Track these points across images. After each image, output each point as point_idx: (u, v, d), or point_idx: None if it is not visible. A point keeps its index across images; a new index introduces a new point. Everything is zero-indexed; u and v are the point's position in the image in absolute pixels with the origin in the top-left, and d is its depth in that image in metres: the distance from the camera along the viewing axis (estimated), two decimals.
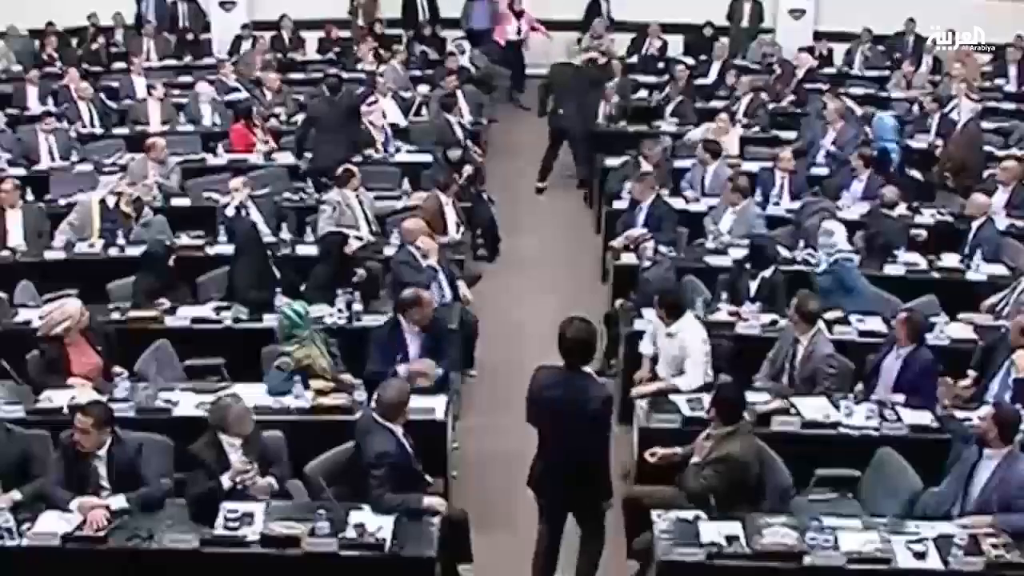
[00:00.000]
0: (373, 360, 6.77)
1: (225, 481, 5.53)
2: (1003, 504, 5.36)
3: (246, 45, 14.85)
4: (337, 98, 10.75)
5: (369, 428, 5.69)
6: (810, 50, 14.33)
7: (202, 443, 5.65)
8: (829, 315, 7.22)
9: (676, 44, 15.37)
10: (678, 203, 9.67)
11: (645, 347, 6.95)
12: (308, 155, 10.50)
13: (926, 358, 6.56)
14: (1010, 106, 13.08)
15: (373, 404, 5.82)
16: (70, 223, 8.89)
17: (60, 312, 6.72)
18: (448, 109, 11.42)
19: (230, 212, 8.84)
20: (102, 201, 8.95)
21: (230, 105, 12.22)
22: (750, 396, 6.44)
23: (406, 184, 10.11)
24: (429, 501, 5.57)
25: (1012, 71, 13.90)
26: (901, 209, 9.12)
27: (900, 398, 6.46)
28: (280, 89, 12.27)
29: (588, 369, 5.52)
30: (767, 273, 7.66)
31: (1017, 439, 5.54)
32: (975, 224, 8.70)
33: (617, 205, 9.64)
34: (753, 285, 7.66)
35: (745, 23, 15.55)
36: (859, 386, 6.70)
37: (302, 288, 7.81)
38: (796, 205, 9.32)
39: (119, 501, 5.46)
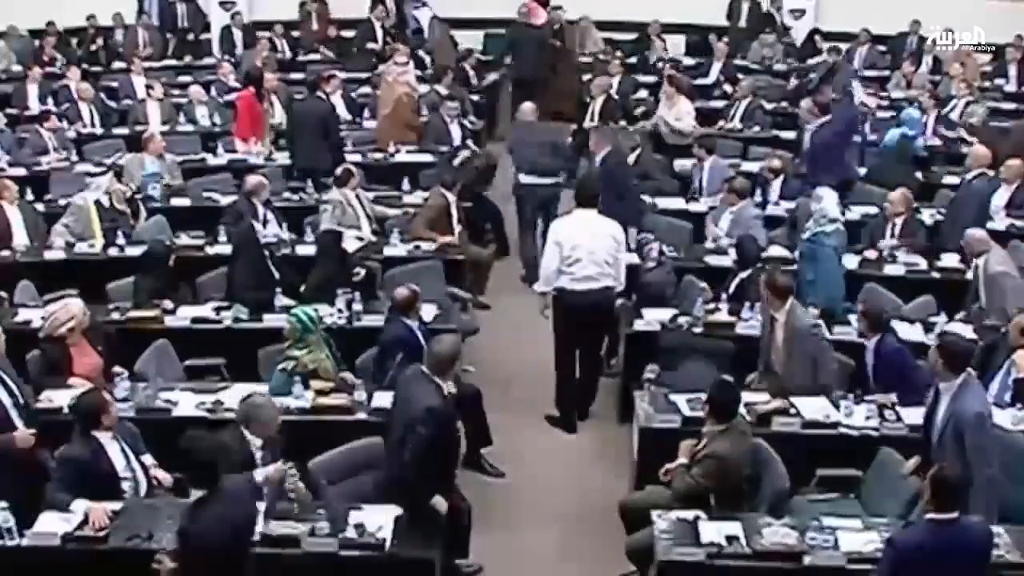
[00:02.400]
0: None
1: (258, 476, 5.52)
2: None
3: (237, 35, 14.92)
4: (315, 97, 10.76)
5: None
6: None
7: (230, 434, 5.62)
8: (813, 311, 7.15)
9: (677, 44, 15.37)
10: (676, 203, 9.72)
11: None
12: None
13: (891, 346, 6.60)
14: (1010, 106, 13.09)
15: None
16: (66, 225, 8.88)
17: (64, 312, 6.72)
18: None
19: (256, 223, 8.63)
20: (97, 202, 8.96)
21: (229, 105, 12.22)
22: (750, 396, 6.46)
23: (406, 184, 10.12)
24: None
25: (1012, 71, 13.91)
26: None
27: (893, 397, 6.47)
28: (276, 89, 12.26)
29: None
30: (744, 273, 7.67)
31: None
32: (969, 175, 8.76)
33: None
34: (733, 284, 7.70)
35: (743, 23, 15.55)
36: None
37: (302, 288, 7.82)
38: (793, 205, 9.32)
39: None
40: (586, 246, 7.32)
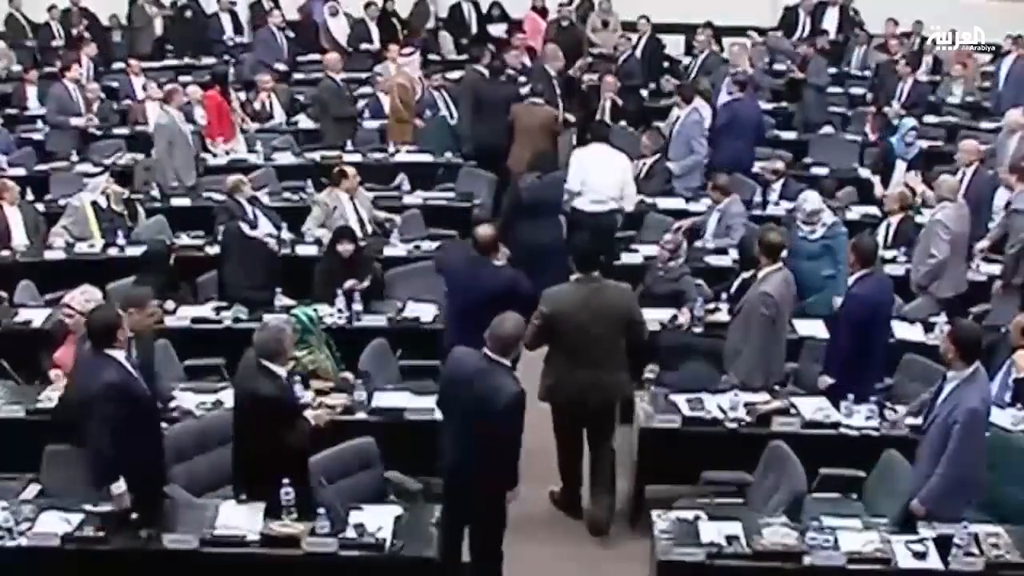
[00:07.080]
0: None
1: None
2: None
3: (226, 19, 14.96)
4: (500, 82, 11.04)
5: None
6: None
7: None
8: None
9: (677, 44, 15.34)
10: (676, 203, 9.72)
11: None
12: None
13: (862, 293, 6.59)
14: None
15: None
16: (65, 227, 8.88)
17: (83, 297, 6.61)
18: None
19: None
20: (94, 203, 8.96)
21: None
22: (749, 396, 6.46)
23: (405, 183, 10.12)
24: None
25: None
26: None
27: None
28: (275, 89, 12.26)
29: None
30: (747, 274, 7.63)
31: None
32: (968, 171, 8.79)
33: None
34: (735, 284, 7.63)
35: None
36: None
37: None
38: (792, 206, 9.31)
39: None
40: (599, 178, 8.88)
